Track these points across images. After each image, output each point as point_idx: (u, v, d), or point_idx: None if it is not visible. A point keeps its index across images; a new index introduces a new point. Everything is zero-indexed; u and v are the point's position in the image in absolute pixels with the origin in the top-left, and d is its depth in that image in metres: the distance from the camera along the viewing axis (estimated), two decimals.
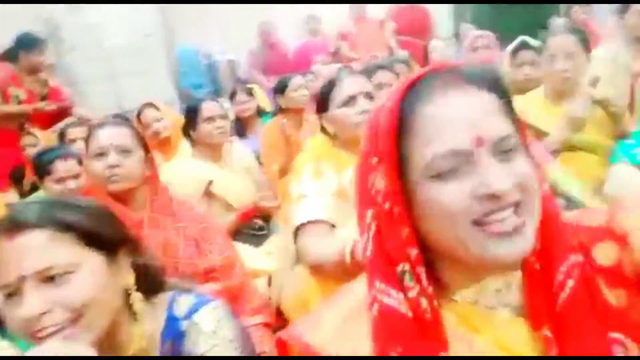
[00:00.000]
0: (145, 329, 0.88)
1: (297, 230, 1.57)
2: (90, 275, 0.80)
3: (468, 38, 3.39)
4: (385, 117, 0.61)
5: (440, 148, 0.58)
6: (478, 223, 0.58)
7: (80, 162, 2.20)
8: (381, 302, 0.62)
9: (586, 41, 2.12)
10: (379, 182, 0.62)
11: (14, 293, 0.78)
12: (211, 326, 0.89)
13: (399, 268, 0.61)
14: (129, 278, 0.87)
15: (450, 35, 5.47)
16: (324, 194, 1.59)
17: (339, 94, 1.67)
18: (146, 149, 1.65)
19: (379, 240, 0.62)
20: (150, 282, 0.92)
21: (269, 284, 1.90)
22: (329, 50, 4.99)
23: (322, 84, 1.85)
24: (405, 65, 3.05)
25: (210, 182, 2.27)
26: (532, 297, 0.62)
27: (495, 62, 3.02)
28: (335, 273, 1.49)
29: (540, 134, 2.09)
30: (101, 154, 1.57)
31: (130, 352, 0.86)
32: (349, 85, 1.68)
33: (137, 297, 0.87)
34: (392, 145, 0.61)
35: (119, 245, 0.87)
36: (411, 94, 0.61)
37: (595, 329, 0.60)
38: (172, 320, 0.90)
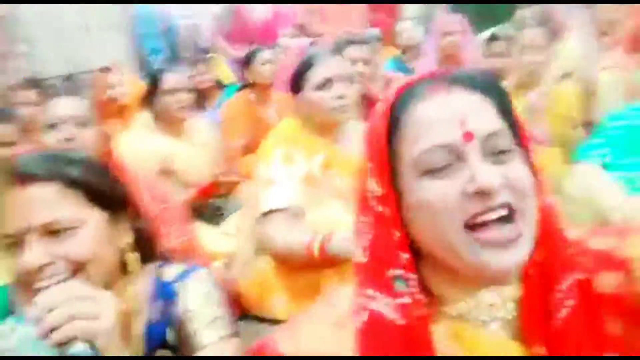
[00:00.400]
0: (135, 289, 0.89)
1: (263, 217, 1.53)
2: (94, 232, 0.82)
3: (440, 22, 3.35)
4: (378, 120, 0.62)
5: (428, 143, 0.58)
6: (470, 227, 0.56)
7: (20, 128, 2.03)
8: (371, 310, 0.60)
9: (554, 33, 2.17)
10: (373, 185, 0.62)
11: (16, 244, 0.79)
12: (202, 288, 0.91)
13: (390, 273, 0.60)
14: (128, 239, 0.89)
15: (418, 15, 5.42)
16: (293, 180, 1.55)
17: (315, 76, 1.61)
18: (100, 120, 1.57)
19: (374, 247, 0.61)
20: (145, 248, 0.93)
21: (226, 267, 1.85)
22: (296, 22, 4.84)
23: (295, 62, 1.77)
24: (378, 43, 2.98)
25: (169, 157, 2.17)
26: (529, 313, 0.60)
27: (467, 47, 3.01)
28: (300, 264, 1.47)
29: None
30: (55, 125, 1.48)
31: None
32: (325, 68, 1.61)
33: (133, 257, 0.89)
34: (383, 147, 0.61)
35: (121, 205, 0.89)
36: (403, 97, 0.62)
37: (590, 350, 0.58)
38: (162, 284, 0.91)
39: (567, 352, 0.58)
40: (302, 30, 4.53)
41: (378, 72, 2.62)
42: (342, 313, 0.64)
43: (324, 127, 1.63)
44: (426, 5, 5.27)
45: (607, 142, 1.40)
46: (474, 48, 2.96)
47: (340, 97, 1.58)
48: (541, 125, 2.12)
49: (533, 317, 0.60)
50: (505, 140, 0.59)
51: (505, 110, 0.62)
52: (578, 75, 2.22)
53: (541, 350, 0.59)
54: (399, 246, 0.60)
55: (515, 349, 0.60)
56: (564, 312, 0.59)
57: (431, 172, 0.58)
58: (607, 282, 0.60)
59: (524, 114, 2.03)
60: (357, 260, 0.63)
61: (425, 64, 3.27)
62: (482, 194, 0.56)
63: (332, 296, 0.69)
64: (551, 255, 0.60)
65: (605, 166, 1.38)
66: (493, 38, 2.70)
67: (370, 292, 0.60)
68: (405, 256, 0.60)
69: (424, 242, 0.60)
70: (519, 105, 2.06)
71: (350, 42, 2.49)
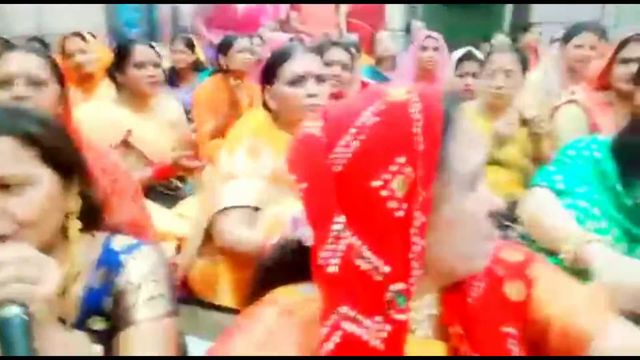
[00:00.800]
0: (78, 254, 0.88)
1: (220, 212, 1.49)
2: (44, 191, 0.81)
3: (418, 37, 3.40)
4: (432, 117, 0.56)
5: (479, 157, 0.60)
6: (487, 238, 0.62)
7: None
8: (346, 331, 0.54)
9: (525, 62, 2.24)
10: (399, 184, 0.54)
11: None
12: (149, 263, 0.90)
13: (394, 287, 0.54)
14: (75, 204, 0.88)
15: (399, 28, 5.49)
16: (257, 176, 1.50)
17: (288, 71, 1.55)
18: (62, 83, 1.47)
19: (359, 255, 0.55)
20: (91, 215, 0.92)
21: (178, 249, 1.81)
22: (278, 17, 4.81)
23: (271, 53, 1.74)
24: (355, 49, 3.00)
25: (129, 131, 2.10)
26: (448, 302, 0.65)
27: (442, 64, 3.06)
28: (250, 261, 1.45)
29: None
30: (8, 83, 1.38)
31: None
32: (300, 64, 1.55)
33: (75, 223, 0.88)
34: (439, 147, 0.56)
35: (74, 169, 0.87)
36: (448, 103, 0.59)
37: (496, 325, 0.66)
38: (109, 252, 0.91)
39: (479, 328, 0.64)
40: (283, 25, 4.51)
41: (355, 78, 2.63)
42: (269, 328, 0.60)
43: (294, 123, 1.58)
44: (407, 19, 5.35)
45: (561, 170, 1.44)
46: (447, 66, 3.02)
47: (313, 96, 1.53)
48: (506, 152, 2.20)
49: (451, 304, 0.65)
50: None
51: None
52: (532, 111, 2.28)
53: (459, 329, 0.64)
54: (417, 257, 0.55)
55: (439, 347, 0.64)
56: (475, 292, 0.65)
57: (471, 184, 0.60)
58: (513, 289, 0.68)
59: (490, 140, 2.10)
60: (330, 271, 0.55)
61: (403, 76, 3.32)
62: (493, 213, 0.62)
63: (259, 310, 0.64)
64: None
65: (559, 192, 1.42)
66: (467, 57, 2.75)
67: (348, 311, 0.54)
68: (417, 267, 0.55)
69: (435, 251, 0.58)
70: (485, 130, 2.15)
71: (333, 44, 2.49)
